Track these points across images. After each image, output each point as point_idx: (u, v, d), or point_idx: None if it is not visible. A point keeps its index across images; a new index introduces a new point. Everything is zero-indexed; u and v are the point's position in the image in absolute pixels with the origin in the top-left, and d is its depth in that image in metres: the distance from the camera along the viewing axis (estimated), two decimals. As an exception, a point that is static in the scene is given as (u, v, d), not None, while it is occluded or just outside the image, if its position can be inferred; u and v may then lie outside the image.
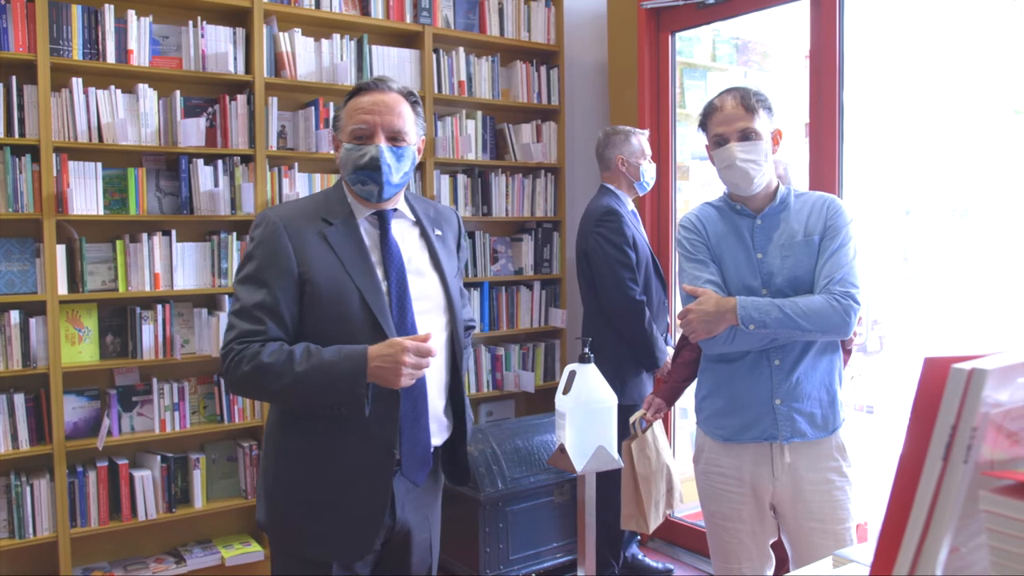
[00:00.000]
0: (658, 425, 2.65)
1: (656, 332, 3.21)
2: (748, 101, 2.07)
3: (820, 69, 3.26)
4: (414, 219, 1.92)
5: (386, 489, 1.77)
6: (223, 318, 3.32)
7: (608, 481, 3.10)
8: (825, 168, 3.25)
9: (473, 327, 2.12)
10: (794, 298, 2.03)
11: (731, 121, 2.06)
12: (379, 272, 1.79)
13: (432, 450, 1.89)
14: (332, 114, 1.94)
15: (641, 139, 3.37)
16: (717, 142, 2.10)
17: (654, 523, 2.61)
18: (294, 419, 1.81)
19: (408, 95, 1.84)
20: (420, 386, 1.79)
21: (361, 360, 1.65)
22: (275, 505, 1.83)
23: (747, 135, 2.05)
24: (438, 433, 1.91)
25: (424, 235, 1.91)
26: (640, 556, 3.54)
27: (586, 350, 2.66)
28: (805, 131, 3.42)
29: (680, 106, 4.09)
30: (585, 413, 2.47)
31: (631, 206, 3.37)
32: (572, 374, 2.56)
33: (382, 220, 1.84)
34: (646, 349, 3.21)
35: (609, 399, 2.56)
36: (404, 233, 1.88)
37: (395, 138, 1.79)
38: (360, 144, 1.78)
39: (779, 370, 2.09)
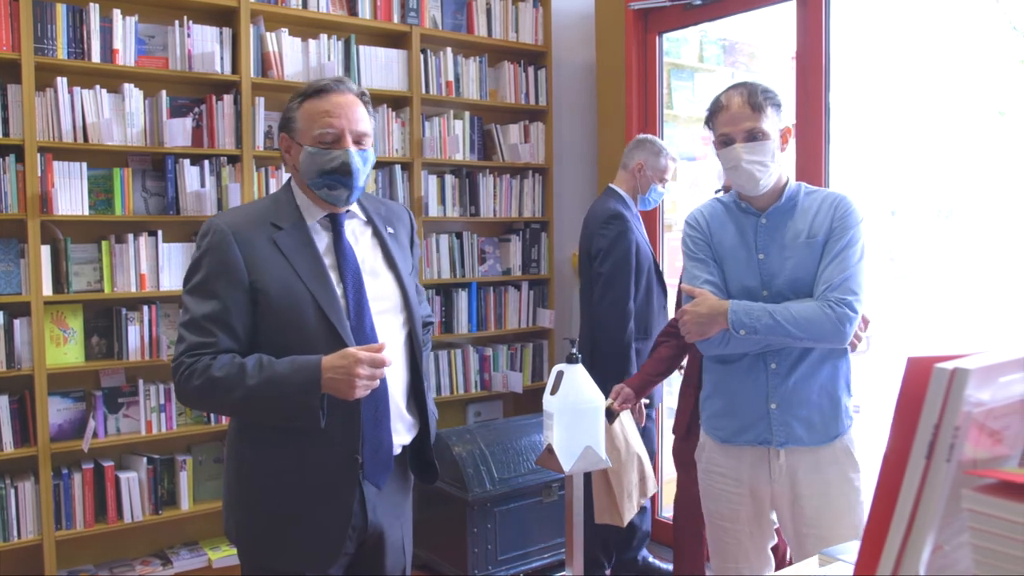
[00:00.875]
0: (626, 415, 2.62)
1: (631, 350, 3.10)
2: (755, 99, 2.01)
3: (806, 70, 3.28)
4: (365, 218, 1.89)
5: (350, 494, 1.75)
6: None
7: None
8: (811, 169, 3.26)
9: (431, 323, 2.10)
10: (788, 303, 1.98)
11: (737, 121, 2.01)
12: (334, 276, 1.75)
13: (400, 451, 1.88)
14: (285, 112, 1.84)
15: (669, 162, 3.31)
16: (723, 142, 2.05)
17: (628, 515, 2.59)
18: (254, 428, 1.78)
19: (361, 95, 1.82)
20: (382, 388, 1.76)
21: (314, 372, 1.62)
22: (240, 517, 1.80)
23: (754, 135, 1.99)
24: (404, 432, 1.89)
25: (377, 234, 1.88)
26: (650, 559, 3.53)
27: (574, 350, 2.66)
28: (792, 132, 3.42)
29: (668, 107, 4.09)
30: (573, 413, 2.46)
31: (635, 210, 3.34)
32: (560, 374, 2.55)
33: (335, 222, 1.81)
34: (618, 358, 3.09)
35: (597, 399, 2.55)
36: (357, 234, 1.86)
37: (359, 141, 1.77)
38: (328, 148, 1.74)
39: (775, 374, 2.05)
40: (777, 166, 2.04)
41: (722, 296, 2.06)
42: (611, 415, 2.56)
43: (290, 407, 1.64)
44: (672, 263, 4.00)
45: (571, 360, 2.57)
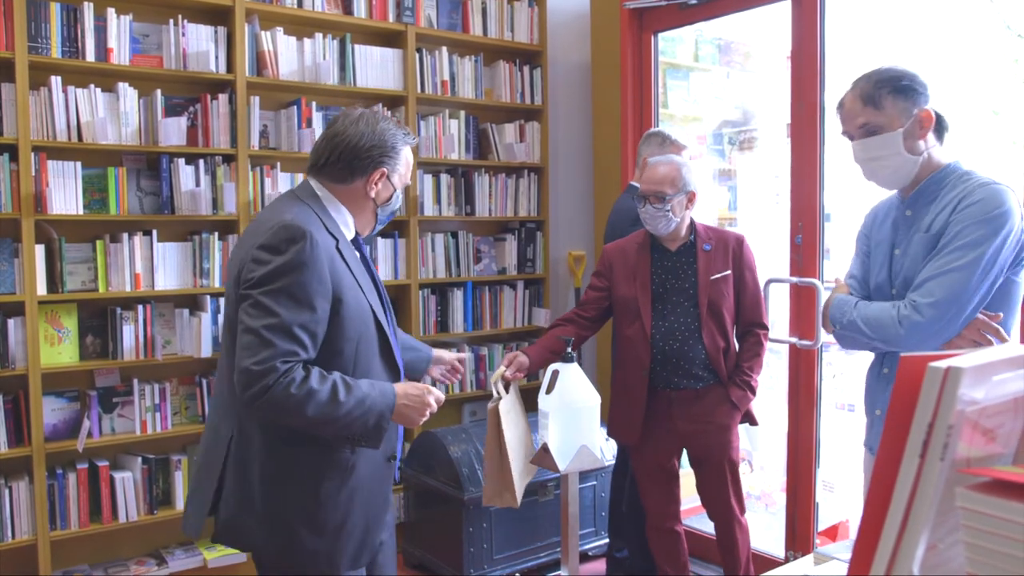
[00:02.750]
0: (515, 387, 2.53)
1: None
2: (868, 92, 1.89)
3: (801, 70, 3.28)
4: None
5: (390, 490, 1.95)
6: (205, 319, 3.31)
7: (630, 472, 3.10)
8: (806, 168, 3.27)
9: None
10: (874, 301, 1.91)
11: (851, 118, 1.93)
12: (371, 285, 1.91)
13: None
14: (385, 141, 1.91)
15: (674, 151, 3.19)
16: (848, 139, 1.98)
17: (520, 495, 2.50)
18: (281, 442, 1.78)
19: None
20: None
21: (391, 399, 1.76)
22: (281, 530, 1.79)
23: (868, 130, 1.89)
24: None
25: (359, 248, 2.00)
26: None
27: (569, 349, 2.66)
28: (787, 131, 3.43)
29: (663, 106, 4.09)
30: (568, 412, 2.48)
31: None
32: (555, 374, 2.56)
33: (357, 242, 1.97)
34: None
35: (592, 399, 2.57)
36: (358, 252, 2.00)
37: None
38: (399, 195, 1.96)
39: (884, 378, 2.00)
40: (910, 155, 1.88)
41: (860, 293, 2.00)
42: (505, 385, 2.49)
43: (365, 426, 1.75)
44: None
45: (566, 360, 2.60)
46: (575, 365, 2.63)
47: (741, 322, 2.77)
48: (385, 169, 1.89)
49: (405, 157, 1.93)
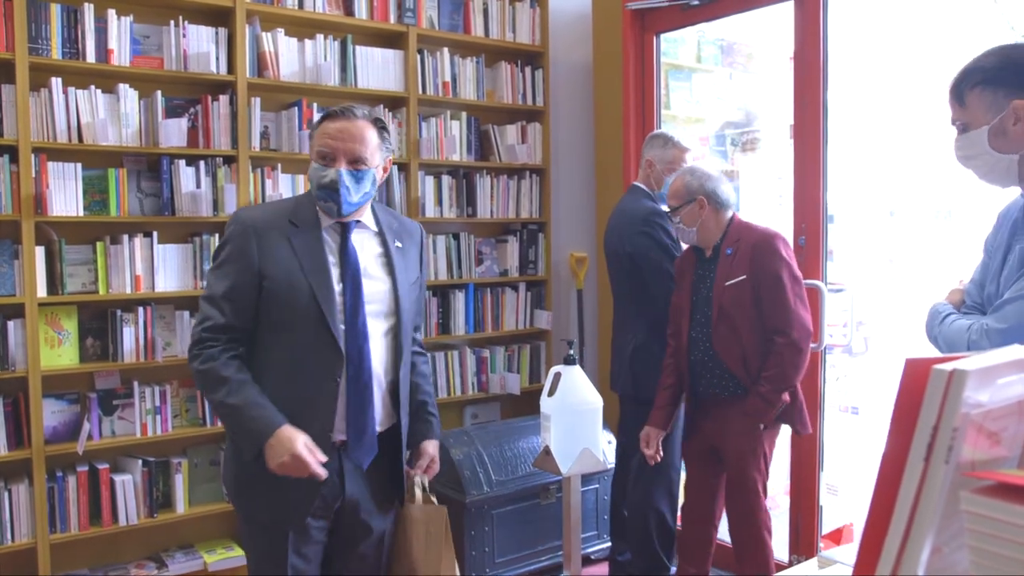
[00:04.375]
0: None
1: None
2: (954, 85, 1.71)
3: (804, 70, 3.28)
4: (376, 230, 2.12)
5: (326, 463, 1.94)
6: (205, 321, 3.31)
7: (657, 475, 3.10)
8: (809, 170, 3.27)
9: (423, 354, 2.33)
10: (964, 317, 1.76)
11: (952, 115, 1.75)
12: (335, 274, 1.99)
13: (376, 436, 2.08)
14: (313, 118, 2.03)
15: (677, 153, 3.20)
16: None
17: None
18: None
19: (375, 121, 2.04)
20: (366, 378, 2.00)
21: (265, 433, 1.87)
22: (230, 468, 2.06)
23: (960, 127, 1.72)
24: (386, 421, 2.12)
25: (384, 245, 2.12)
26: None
27: (571, 351, 2.67)
28: (790, 132, 3.44)
29: (665, 107, 4.09)
30: (570, 415, 2.51)
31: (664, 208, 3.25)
32: (557, 376, 2.58)
33: (344, 230, 2.05)
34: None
35: (595, 401, 2.58)
36: (364, 242, 2.09)
37: (356, 162, 1.98)
38: (323, 165, 1.98)
39: None
40: (1001, 154, 1.67)
41: (973, 300, 1.85)
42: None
43: (237, 436, 1.96)
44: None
45: (569, 361, 2.62)
46: (577, 367, 2.64)
47: (764, 328, 2.67)
48: (310, 145, 2.06)
49: (317, 131, 2.02)
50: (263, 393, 1.92)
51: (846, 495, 3.62)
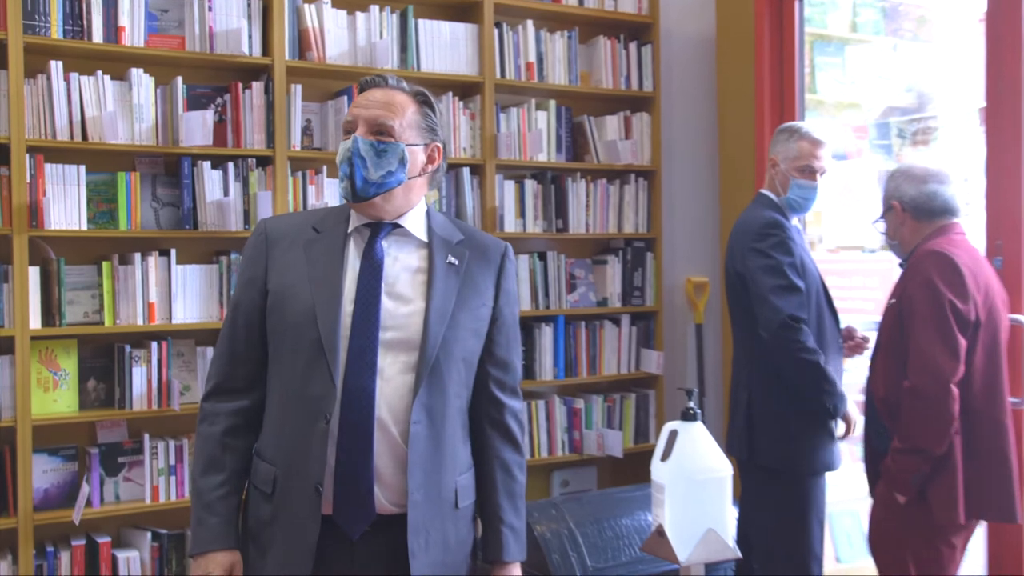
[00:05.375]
0: None
1: (825, 362, 3.01)
2: None
3: (1000, 37, 3.15)
4: (425, 239, 2.07)
5: (312, 531, 1.94)
6: (231, 359, 3.31)
7: (786, 524, 3.06)
8: (1007, 168, 3.13)
9: (514, 432, 2.15)
10: None
11: None
12: (348, 288, 1.98)
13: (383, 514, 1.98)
14: None
15: (806, 147, 3.16)
16: None
17: None
18: (263, 439, 2.07)
19: (417, 94, 2.06)
20: (364, 424, 1.92)
21: (197, 547, 1.97)
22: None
23: None
24: (390, 491, 1.97)
25: (429, 259, 2.05)
26: None
27: (691, 404, 2.57)
28: (979, 119, 3.29)
29: (810, 90, 4.07)
30: (690, 486, 2.41)
31: (795, 220, 3.25)
32: (673, 435, 2.48)
33: (373, 232, 2.02)
34: (814, 384, 2.98)
35: (722, 468, 2.47)
36: (400, 252, 2.04)
37: (379, 132, 1.98)
38: (345, 140, 2.01)
39: None
40: None
41: None
42: None
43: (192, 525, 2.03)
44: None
45: (687, 416, 2.49)
46: (698, 424, 2.57)
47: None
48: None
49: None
50: (239, 474, 2.03)
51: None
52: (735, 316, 3.25)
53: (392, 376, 1.96)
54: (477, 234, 2.17)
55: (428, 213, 2.10)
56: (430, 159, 2.05)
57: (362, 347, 1.94)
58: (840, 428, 3.08)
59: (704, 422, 2.54)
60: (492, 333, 2.10)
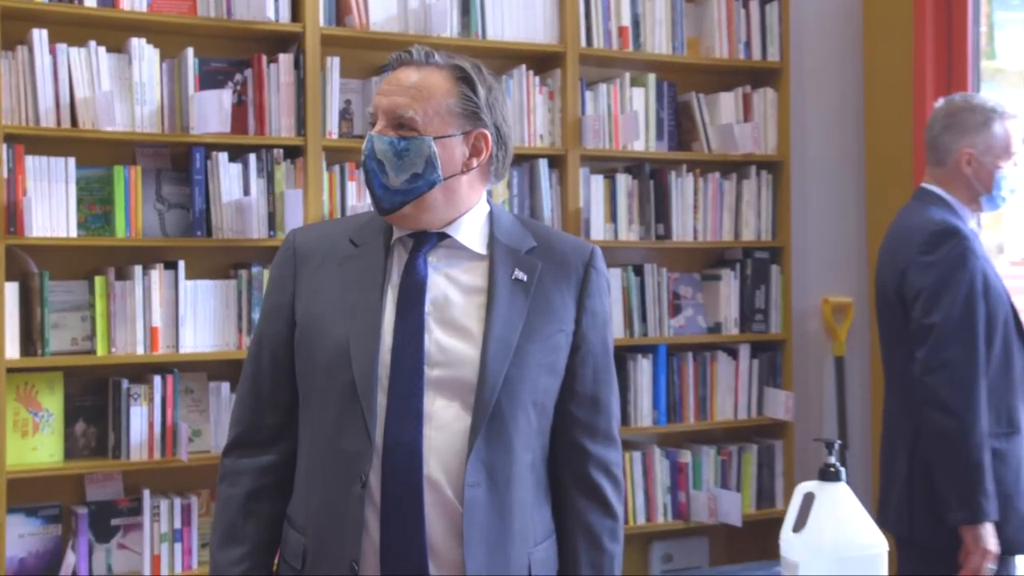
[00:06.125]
0: None
1: (984, 453, 2.94)
2: None
3: None
4: (483, 252, 2.02)
5: None
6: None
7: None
8: None
9: (608, 500, 2.09)
10: None
11: None
12: (390, 315, 1.94)
13: None
14: None
15: (1008, 127, 3.10)
16: None
17: None
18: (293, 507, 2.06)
19: (454, 68, 1.99)
20: (412, 484, 1.88)
21: None
22: None
23: None
24: (444, 560, 1.95)
25: (490, 275, 1.99)
26: None
27: (831, 459, 2.43)
28: None
29: (986, 56, 4.06)
30: (832, 565, 2.32)
31: (972, 223, 3.18)
32: (808, 499, 2.38)
33: (415, 245, 1.99)
34: (959, 467, 2.92)
35: (874, 543, 2.36)
36: (449, 267, 2.00)
37: (400, 125, 1.93)
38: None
39: None
40: None
41: None
42: None
43: None
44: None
45: (828, 476, 2.37)
46: (842, 485, 2.40)
47: None
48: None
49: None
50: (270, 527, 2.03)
51: None
52: (890, 347, 3.18)
53: (444, 423, 1.93)
54: (556, 237, 2.15)
55: (492, 215, 2.06)
56: (475, 151, 1.99)
57: (405, 390, 1.92)
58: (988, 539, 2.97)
59: (849, 483, 2.41)
60: (574, 365, 2.04)
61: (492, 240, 2.03)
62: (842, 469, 2.35)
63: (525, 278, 2.02)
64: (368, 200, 3.38)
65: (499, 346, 1.95)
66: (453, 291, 1.99)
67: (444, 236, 2.00)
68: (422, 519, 1.89)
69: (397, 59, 2.01)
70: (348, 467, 1.89)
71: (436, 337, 1.94)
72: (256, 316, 3.34)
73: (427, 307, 1.95)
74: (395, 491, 1.89)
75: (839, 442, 2.47)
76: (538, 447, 2.01)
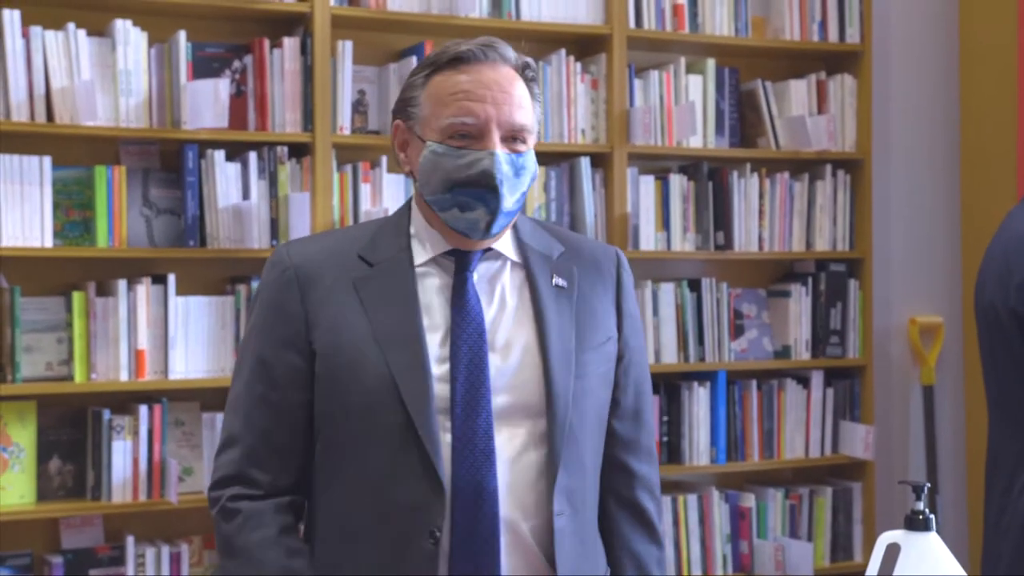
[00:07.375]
0: None
1: None
2: None
3: None
4: (518, 259, 2.04)
5: None
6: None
7: None
8: None
9: (646, 510, 2.14)
10: None
11: None
12: (435, 345, 1.93)
13: None
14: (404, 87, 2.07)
15: None
16: None
17: None
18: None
19: (525, 68, 2.00)
20: (489, 531, 1.89)
21: None
22: None
23: None
24: None
25: (531, 284, 2.01)
26: None
27: (919, 504, 2.42)
28: None
29: None
30: None
31: None
32: (893, 550, 2.34)
33: (461, 263, 1.97)
34: None
35: None
36: (493, 283, 2.02)
37: (513, 139, 1.94)
38: (463, 147, 1.92)
39: None
40: None
41: None
42: None
43: None
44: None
45: (915, 524, 2.35)
46: (932, 535, 2.40)
47: None
48: (400, 120, 2.01)
49: (433, 89, 1.97)
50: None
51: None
52: (995, 375, 3.08)
53: (513, 456, 1.95)
54: (580, 240, 2.20)
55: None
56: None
57: (471, 425, 1.92)
58: None
59: (940, 532, 2.45)
60: (617, 376, 2.10)
61: (520, 246, 2.06)
62: (932, 516, 2.38)
63: (565, 284, 2.05)
64: (384, 206, 3.43)
65: (561, 360, 1.97)
66: (499, 306, 2.01)
67: (487, 250, 2.01)
68: (498, 566, 1.91)
69: (482, 52, 1.97)
70: (411, 521, 1.88)
71: (493, 361, 1.95)
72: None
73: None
74: (468, 541, 1.89)
75: (928, 485, 2.44)
76: (598, 467, 2.05)
